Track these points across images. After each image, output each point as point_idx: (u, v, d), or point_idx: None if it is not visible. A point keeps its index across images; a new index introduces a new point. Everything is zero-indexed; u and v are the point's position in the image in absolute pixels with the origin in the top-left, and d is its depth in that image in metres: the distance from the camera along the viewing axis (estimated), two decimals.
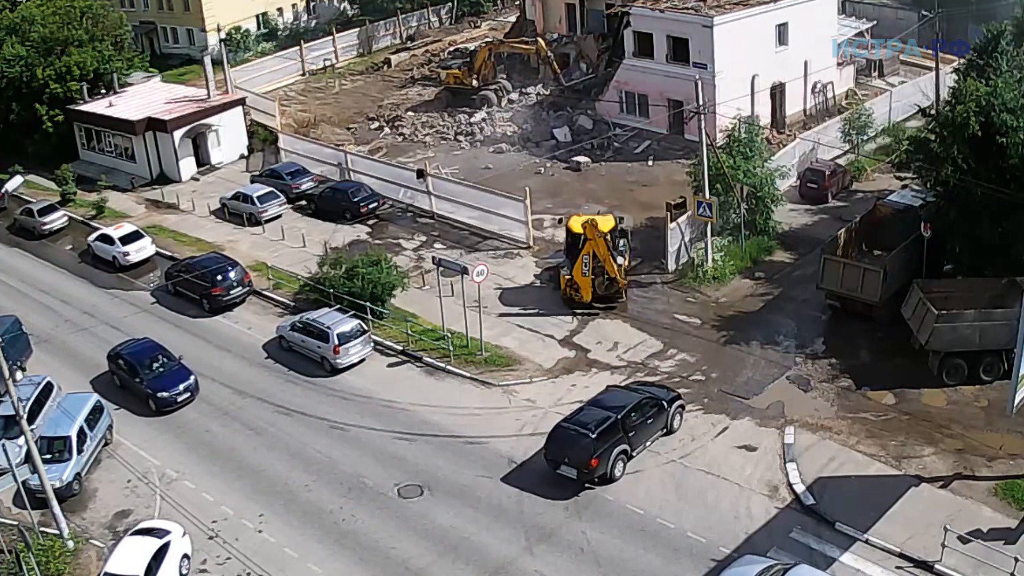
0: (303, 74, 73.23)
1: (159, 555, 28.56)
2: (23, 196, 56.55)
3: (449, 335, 38.83)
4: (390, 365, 38.81)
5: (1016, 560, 25.77)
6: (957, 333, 33.39)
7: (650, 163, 54.07)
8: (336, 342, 37.81)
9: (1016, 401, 27.73)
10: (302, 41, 75.64)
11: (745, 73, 52.56)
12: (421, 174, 49.46)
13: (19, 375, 38.07)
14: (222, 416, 36.41)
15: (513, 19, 75.25)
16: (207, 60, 59.57)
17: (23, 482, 29.73)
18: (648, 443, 32.19)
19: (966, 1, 59.32)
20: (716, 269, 42.10)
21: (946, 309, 33.74)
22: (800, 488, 30.17)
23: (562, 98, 60.75)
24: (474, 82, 62.31)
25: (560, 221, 47.10)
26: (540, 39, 62.98)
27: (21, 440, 30.49)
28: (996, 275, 35.85)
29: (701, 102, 40.93)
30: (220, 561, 29.80)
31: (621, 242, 40.98)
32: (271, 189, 52.03)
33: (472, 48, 66.06)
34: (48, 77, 59.54)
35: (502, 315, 40.86)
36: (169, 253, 48.46)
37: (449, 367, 37.91)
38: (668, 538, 28.94)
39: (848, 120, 52.35)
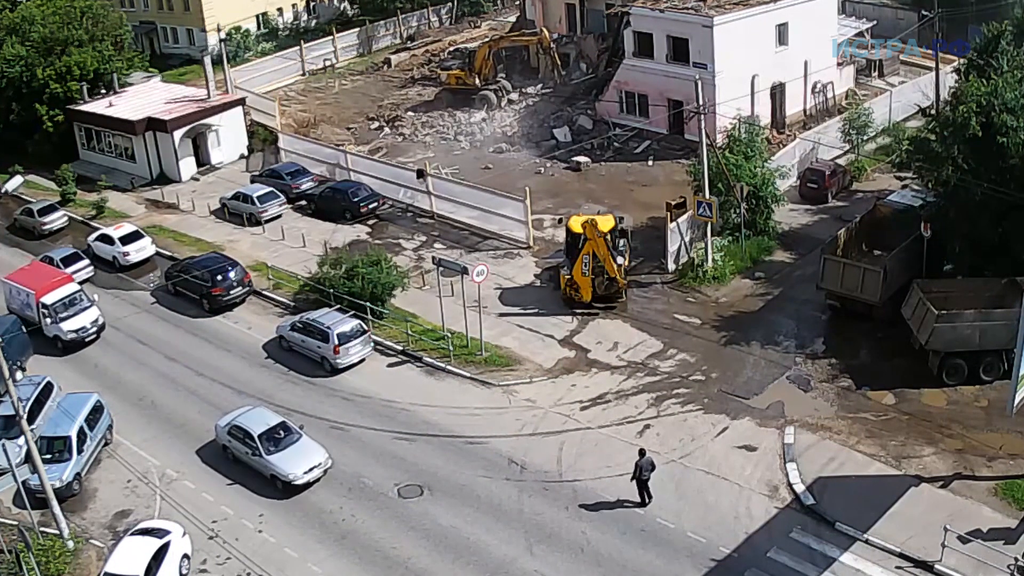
0: (303, 74, 73.22)
1: (159, 555, 28.59)
2: (23, 196, 56.57)
3: (449, 335, 38.84)
4: (390, 365, 38.81)
5: (1016, 560, 25.76)
6: (957, 333, 33.39)
7: (650, 163, 54.06)
8: (336, 342, 37.81)
9: (1016, 401, 27.73)
10: (302, 41, 75.64)
11: (745, 73, 52.52)
12: (421, 174, 49.46)
13: (19, 375, 38.07)
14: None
15: (513, 19, 75.26)
16: (207, 60, 59.57)
17: (23, 482, 29.77)
18: None
19: (966, 1, 59.29)
20: (716, 269, 42.09)
21: (946, 309, 33.74)
22: (800, 488, 30.17)
23: (565, 93, 60.69)
24: (476, 81, 62.34)
25: (560, 221, 47.10)
26: (544, 30, 63.03)
27: (21, 440, 30.50)
28: (996, 275, 35.84)
29: (701, 102, 40.91)
30: (220, 561, 29.81)
31: (621, 242, 40.99)
32: (271, 189, 52.04)
33: (472, 48, 66.10)
34: (48, 77, 59.55)
35: (502, 315, 40.85)
36: (169, 253, 48.46)
37: (449, 367, 37.91)
38: (668, 538, 28.94)
39: (848, 120, 52.32)
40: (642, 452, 30.46)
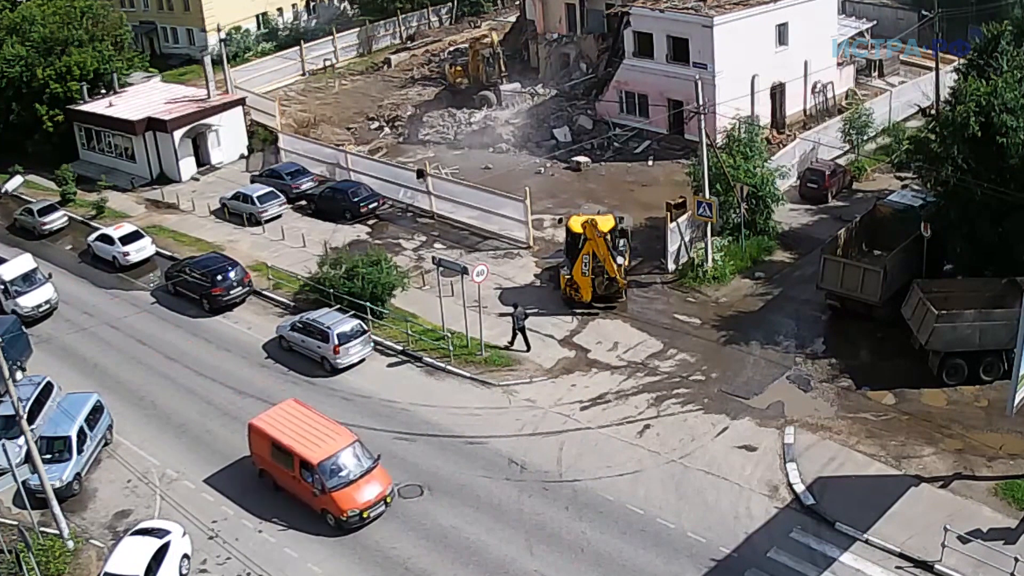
0: (303, 74, 73.28)
1: (159, 555, 28.58)
2: (23, 196, 56.57)
3: (449, 335, 38.84)
4: (390, 365, 38.82)
5: (1016, 560, 25.77)
6: (957, 333, 33.39)
7: (650, 163, 54.06)
8: (336, 342, 37.81)
9: (1016, 401, 27.74)
10: (302, 41, 75.67)
11: (745, 73, 52.53)
12: (421, 174, 49.46)
13: (19, 375, 38.06)
14: (222, 416, 36.42)
15: (513, 19, 75.27)
16: (207, 60, 59.59)
17: (23, 482, 29.77)
18: None
19: (966, 1, 59.29)
20: (716, 269, 42.09)
21: (946, 309, 33.74)
22: (800, 488, 30.17)
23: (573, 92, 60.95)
24: (465, 82, 62.50)
25: (560, 221, 47.11)
26: (493, 33, 64.15)
27: (21, 440, 30.51)
28: (996, 275, 35.86)
29: (701, 102, 40.91)
30: (220, 561, 29.81)
31: (621, 242, 40.97)
32: (271, 189, 52.04)
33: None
34: (48, 77, 59.54)
35: (502, 315, 40.83)
36: (169, 253, 48.47)
37: (449, 367, 37.91)
38: (668, 538, 28.95)
39: (848, 120, 52.32)
40: (515, 305, 38.72)
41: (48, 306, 44.27)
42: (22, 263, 45.52)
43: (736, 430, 33.18)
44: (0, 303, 44.48)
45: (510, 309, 40.77)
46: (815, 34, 55.70)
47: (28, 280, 44.73)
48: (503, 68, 62.27)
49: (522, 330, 38.34)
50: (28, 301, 43.96)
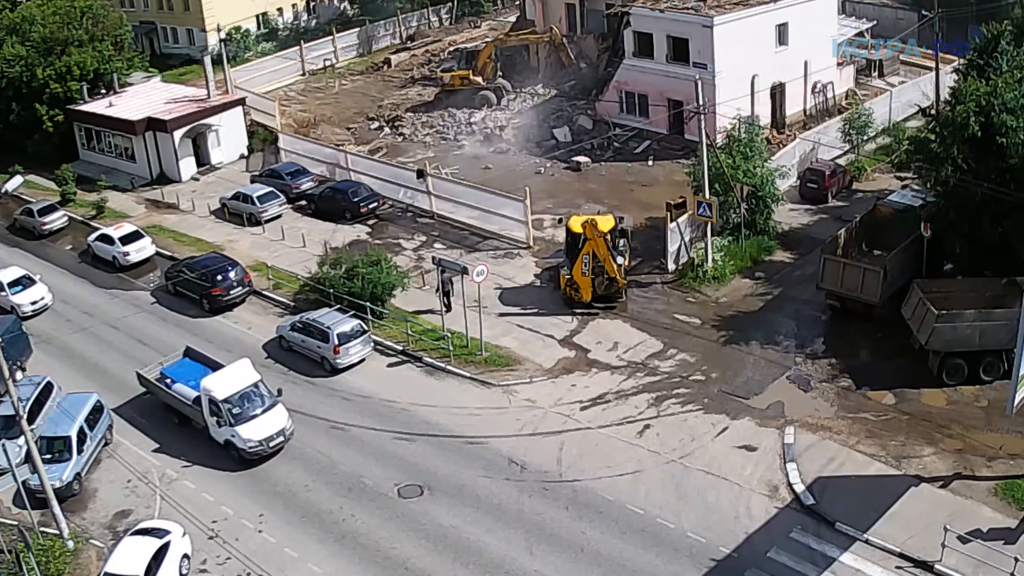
0: (303, 74, 73.28)
1: (159, 555, 28.60)
2: (23, 196, 56.56)
3: (449, 335, 38.85)
4: (390, 365, 38.82)
5: (1016, 560, 25.77)
6: (957, 333, 33.38)
7: (650, 163, 54.06)
8: (336, 342, 37.81)
9: (1016, 401, 27.73)
10: (302, 41, 75.68)
11: (745, 73, 52.52)
12: (421, 174, 49.46)
13: (19, 375, 38.08)
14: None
15: (513, 19, 75.31)
16: (207, 60, 59.60)
17: (23, 482, 29.77)
18: None
19: (966, 1, 59.29)
20: (716, 269, 42.09)
21: (946, 309, 33.74)
22: (800, 488, 30.17)
23: (584, 82, 60.82)
24: (480, 80, 62.38)
25: (560, 221, 47.11)
26: (554, 27, 63.33)
27: (21, 440, 30.50)
28: (996, 275, 35.86)
29: (701, 102, 40.90)
30: (220, 561, 29.81)
31: (621, 242, 40.98)
32: (271, 189, 52.04)
33: (472, 48, 66.12)
34: (48, 77, 59.57)
35: (502, 315, 40.85)
36: (169, 253, 48.47)
37: (449, 367, 37.91)
38: (668, 538, 28.95)
39: (848, 120, 52.33)
40: (444, 272, 39.33)
41: (282, 438, 33.47)
42: (242, 374, 34.67)
43: (736, 430, 33.18)
44: (209, 431, 33.92)
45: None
46: (815, 34, 55.68)
47: (248, 400, 33.72)
48: (571, 58, 62.22)
49: (447, 293, 39.69)
50: (252, 432, 33.00)
